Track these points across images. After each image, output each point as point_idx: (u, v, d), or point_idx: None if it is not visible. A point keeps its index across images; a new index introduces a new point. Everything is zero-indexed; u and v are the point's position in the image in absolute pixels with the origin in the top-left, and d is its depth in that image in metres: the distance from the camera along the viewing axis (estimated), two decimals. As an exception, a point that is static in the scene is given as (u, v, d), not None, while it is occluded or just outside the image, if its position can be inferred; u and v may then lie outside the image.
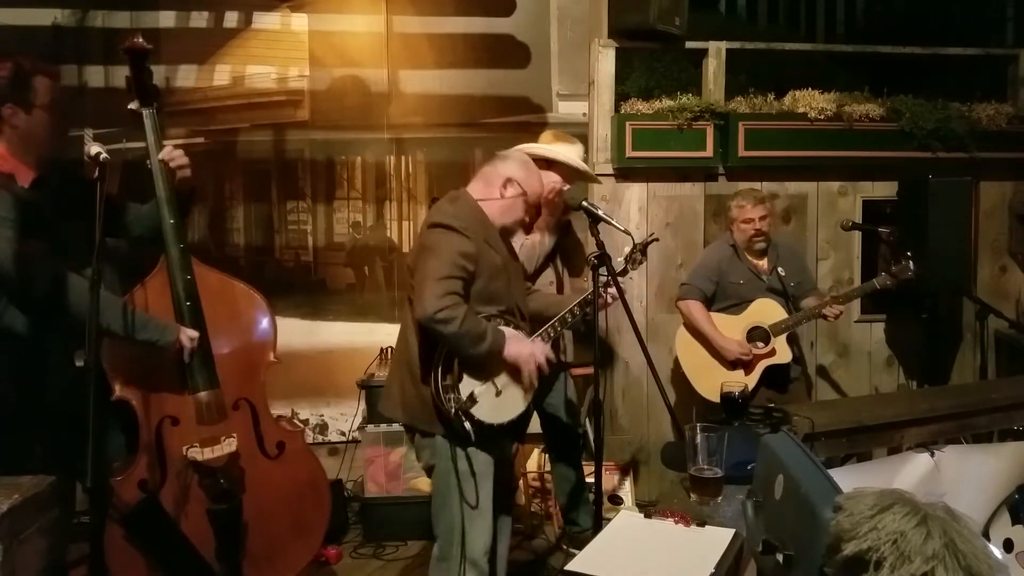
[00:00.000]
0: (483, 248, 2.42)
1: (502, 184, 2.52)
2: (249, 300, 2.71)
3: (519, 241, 3.15)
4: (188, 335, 2.48)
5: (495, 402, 2.45)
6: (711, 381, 3.57)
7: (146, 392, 2.50)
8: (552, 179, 3.11)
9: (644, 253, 2.89)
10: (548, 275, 3.29)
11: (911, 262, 3.48)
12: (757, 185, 4.10)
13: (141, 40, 2.48)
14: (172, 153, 2.53)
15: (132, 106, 2.56)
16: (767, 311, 3.59)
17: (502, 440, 2.57)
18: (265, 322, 2.71)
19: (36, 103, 2.37)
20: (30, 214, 2.36)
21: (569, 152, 3.19)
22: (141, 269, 2.61)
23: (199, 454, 2.47)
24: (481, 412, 2.40)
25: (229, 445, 2.53)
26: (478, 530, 2.47)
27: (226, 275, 2.73)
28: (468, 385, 2.40)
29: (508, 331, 2.45)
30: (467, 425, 2.36)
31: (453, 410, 2.36)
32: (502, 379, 2.47)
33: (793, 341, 3.74)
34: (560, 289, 3.32)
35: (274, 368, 2.72)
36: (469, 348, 2.33)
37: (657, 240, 3.03)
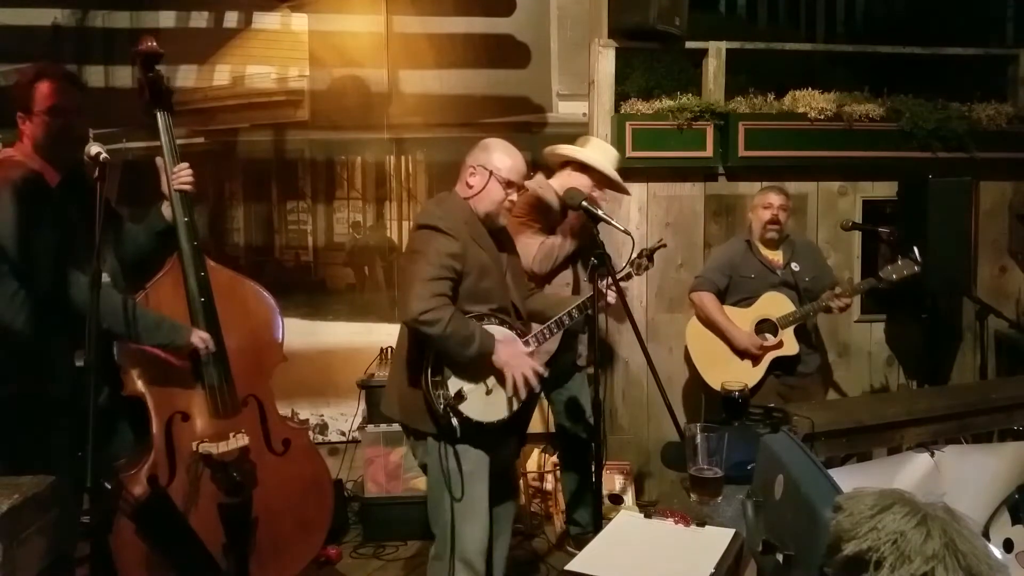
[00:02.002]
0: (470, 247, 2.41)
1: (467, 174, 2.51)
2: (259, 298, 2.75)
3: (536, 240, 3.15)
4: (200, 336, 2.51)
5: (485, 400, 2.44)
6: (719, 371, 3.59)
7: (158, 387, 2.54)
8: (583, 183, 3.16)
9: (651, 259, 2.89)
10: (566, 276, 3.30)
11: (916, 255, 3.46)
12: (757, 186, 4.10)
13: (154, 44, 2.52)
14: (182, 173, 2.60)
15: (146, 108, 2.60)
16: (775, 304, 3.61)
17: (497, 439, 2.55)
18: (275, 321, 2.75)
19: (35, 109, 2.42)
20: (57, 212, 2.41)
21: (600, 158, 3.23)
22: (151, 268, 2.64)
23: (213, 448, 2.49)
24: (470, 410, 2.39)
25: (240, 439, 2.55)
26: (471, 529, 2.46)
27: (237, 273, 2.77)
28: (457, 382, 2.39)
29: (500, 333, 2.42)
30: (454, 421, 2.35)
31: (442, 407, 2.35)
32: (492, 379, 2.45)
33: (809, 336, 3.73)
34: (576, 291, 3.31)
35: (279, 366, 2.75)
36: (457, 349, 2.31)
37: (665, 246, 3.02)
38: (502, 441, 2.59)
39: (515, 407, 2.50)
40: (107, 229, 2.57)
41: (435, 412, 2.38)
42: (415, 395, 2.44)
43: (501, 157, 2.50)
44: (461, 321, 2.30)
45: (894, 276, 3.51)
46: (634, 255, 2.85)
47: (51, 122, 2.42)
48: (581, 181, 3.17)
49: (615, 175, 3.28)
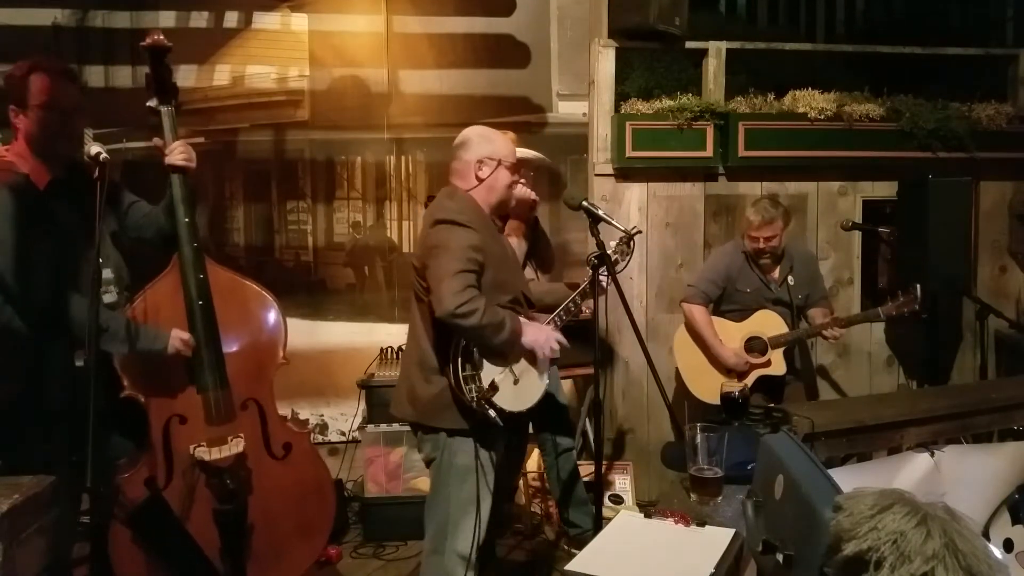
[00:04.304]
0: (487, 239, 2.45)
1: (475, 168, 2.53)
2: (260, 300, 2.72)
3: None
4: (180, 337, 2.48)
5: (514, 390, 2.48)
6: (704, 383, 3.59)
7: (155, 390, 2.52)
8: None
9: (629, 245, 2.87)
10: (528, 274, 3.31)
11: (918, 293, 3.47)
12: (757, 186, 4.11)
13: (162, 37, 2.50)
14: (176, 150, 2.55)
15: (151, 103, 2.57)
16: (768, 322, 3.59)
17: (510, 432, 2.58)
18: (276, 322, 2.72)
19: (30, 103, 2.37)
20: (44, 216, 2.37)
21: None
22: (154, 269, 2.62)
23: (206, 454, 2.48)
24: (502, 400, 2.41)
25: (236, 445, 2.53)
26: (471, 524, 2.47)
27: (238, 275, 2.74)
28: (488, 374, 2.41)
29: (522, 319, 2.49)
30: (491, 413, 2.37)
31: (475, 399, 2.36)
32: (519, 367, 2.50)
33: (793, 358, 3.74)
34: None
35: (280, 368, 2.73)
36: (491, 338, 2.35)
37: (640, 232, 3.00)
38: (509, 436, 2.61)
39: (542, 392, 2.57)
40: (111, 223, 2.56)
41: (466, 406, 2.38)
42: (431, 391, 2.46)
43: (500, 147, 2.57)
44: (492, 309, 2.34)
45: (893, 312, 3.52)
46: (614, 244, 2.84)
47: (46, 117, 2.37)
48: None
49: (531, 152, 3.31)
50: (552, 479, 3.59)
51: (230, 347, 2.60)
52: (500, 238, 2.57)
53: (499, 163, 2.53)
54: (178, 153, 2.54)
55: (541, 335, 2.48)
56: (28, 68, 2.39)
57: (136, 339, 2.43)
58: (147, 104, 2.58)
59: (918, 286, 3.50)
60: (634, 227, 2.87)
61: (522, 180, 2.85)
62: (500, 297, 2.46)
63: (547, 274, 3.43)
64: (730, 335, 3.62)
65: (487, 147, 2.54)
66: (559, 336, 2.55)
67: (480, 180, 2.52)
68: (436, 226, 2.41)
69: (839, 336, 3.57)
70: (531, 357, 2.54)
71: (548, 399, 3.41)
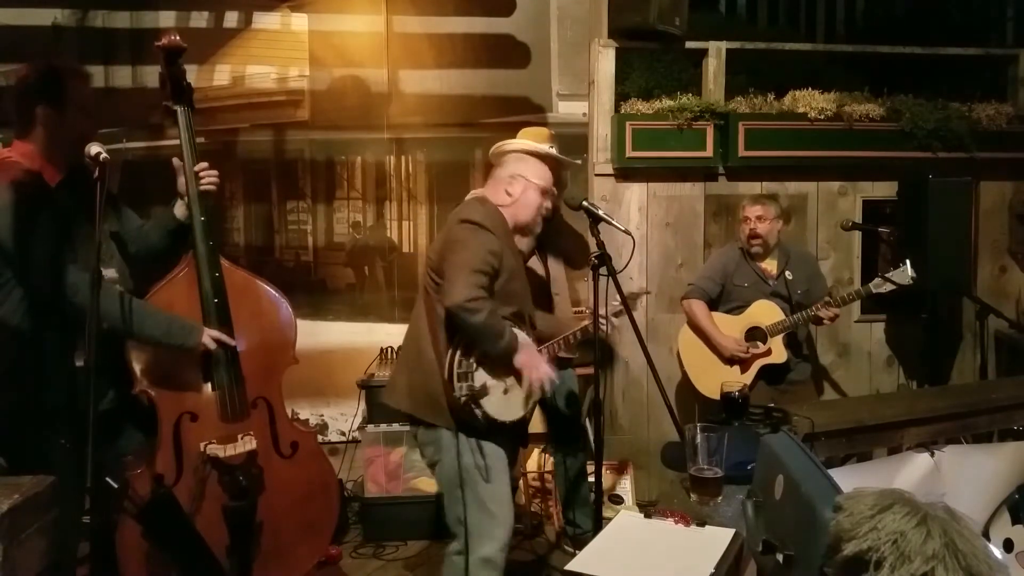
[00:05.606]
0: (505, 249, 2.50)
1: (507, 184, 2.60)
2: (272, 299, 2.72)
3: None
4: (212, 335, 2.48)
5: (502, 399, 2.48)
6: (710, 378, 3.60)
7: (167, 387, 2.52)
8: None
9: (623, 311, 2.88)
10: (536, 267, 3.30)
11: (909, 267, 3.47)
12: (757, 186, 4.10)
13: (177, 38, 2.49)
14: (205, 173, 2.57)
15: (167, 103, 2.57)
16: (766, 312, 3.61)
17: (506, 438, 2.58)
18: (287, 322, 2.72)
19: (69, 103, 2.36)
20: (54, 214, 2.36)
21: (544, 144, 3.24)
22: (164, 265, 2.63)
23: (220, 451, 2.48)
24: (489, 405, 2.43)
25: (248, 443, 2.54)
26: (492, 525, 2.47)
27: (251, 274, 2.74)
28: (482, 376, 2.44)
29: (522, 337, 2.50)
30: (477, 412, 2.40)
31: (464, 397, 2.38)
32: (511, 379, 2.51)
33: (800, 345, 3.74)
34: (548, 276, 3.35)
35: (291, 368, 2.73)
36: (487, 342, 2.39)
37: (622, 312, 2.95)
38: (509, 442, 2.61)
39: (528, 409, 2.57)
40: (113, 223, 2.56)
41: (454, 403, 2.40)
42: (428, 385, 2.47)
43: (537, 170, 2.65)
44: (496, 316, 2.38)
45: (884, 288, 3.51)
46: (612, 310, 2.89)
47: (79, 118, 2.37)
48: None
49: (560, 156, 3.29)
50: (559, 478, 3.60)
51: (243, 346, 2.60)
52: (518, 254, 2.62)
53: (530, 183, 2.60)
54: (208, 181, 2.57)
55: (535, 363, 2.47)
56: (68, 69, 2.38)
57: (168, 333, 2.44)
58: (163, 104, 2.58)
59: (908, 260, 3.50)
60: (617, 305, 2.87)
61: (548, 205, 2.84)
62: (504, 308, 2.48)
63: (576, 269, 3.43)
64: (730, 328, 3.64)
65: (520, 166, 2.65)
66: (552, 375, 2.51)
67: (509, 195, 2.59)
68: (462, 224, 2.48)
69: (835, 316, 3.56)
70: (521, 377, 2.52)
71: (559, 399, 3.43)
